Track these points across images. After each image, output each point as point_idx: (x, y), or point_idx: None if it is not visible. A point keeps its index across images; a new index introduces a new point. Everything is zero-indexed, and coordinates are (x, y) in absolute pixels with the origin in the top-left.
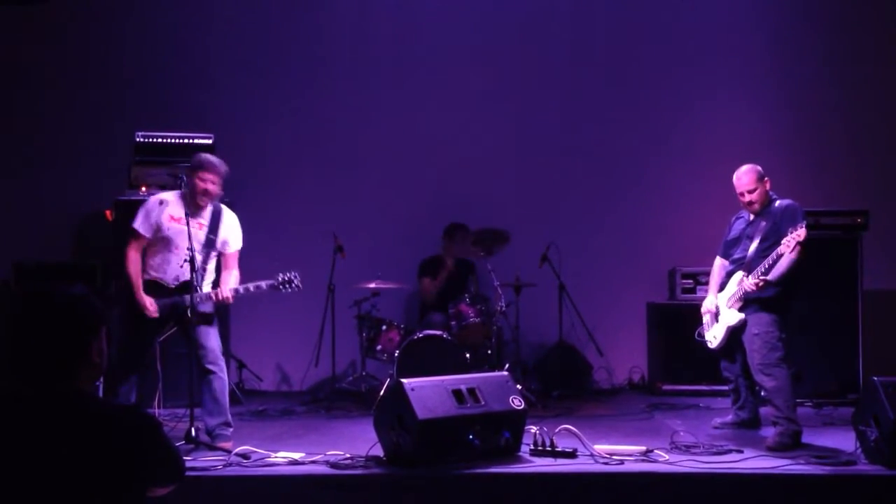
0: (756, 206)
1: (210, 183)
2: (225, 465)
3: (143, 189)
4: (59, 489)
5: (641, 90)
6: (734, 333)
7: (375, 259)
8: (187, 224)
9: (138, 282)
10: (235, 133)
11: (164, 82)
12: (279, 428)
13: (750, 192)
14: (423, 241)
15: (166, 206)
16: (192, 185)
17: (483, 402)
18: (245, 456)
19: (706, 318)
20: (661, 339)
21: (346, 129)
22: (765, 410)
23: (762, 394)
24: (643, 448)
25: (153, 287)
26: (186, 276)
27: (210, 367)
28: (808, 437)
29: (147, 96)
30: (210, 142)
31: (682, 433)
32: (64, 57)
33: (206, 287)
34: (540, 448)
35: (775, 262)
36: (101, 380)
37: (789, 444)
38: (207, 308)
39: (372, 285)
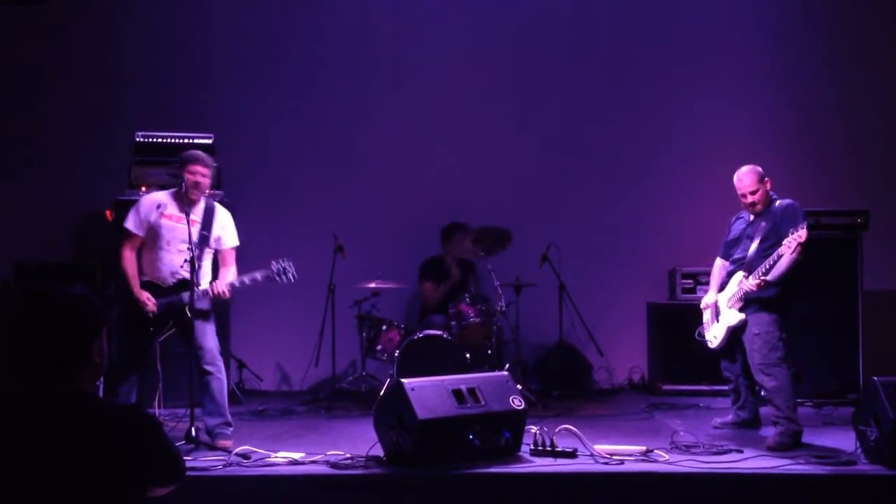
0: (759, 207)
1: (200, 175)
2: (225, 465)
3: (144, 189)
4: (60, 489)
5: (641, 90)
6: (734, 333)
7: (375, 259)
8: (187, 222)
9: (135, 279)
10: (235, 133)
11: (164, 82)
12: (279, 428)
13: (752, 193)
14: (423, 241)
15: (157, 204)
16: (184, 180)
17: (483, 402)
18: (245, 456)
19: (706, 315)
20: (662, 339)
21: (346, 129)
22: (765, 410)
23: (762, 394)
24: (643, 448)
25: (150, 288)
26: (182, 273)
27: (207, 367)
28: (808, 437)
29: (147, 96)
30: (210, 142)
31: (682, 433)
32: (64, 57)
33: (203, 284)
34: (540, 448)
35: (776, 262)
36: (102, 380)
37: (789, 444)
38: (204, 305)
39: (372, 285)
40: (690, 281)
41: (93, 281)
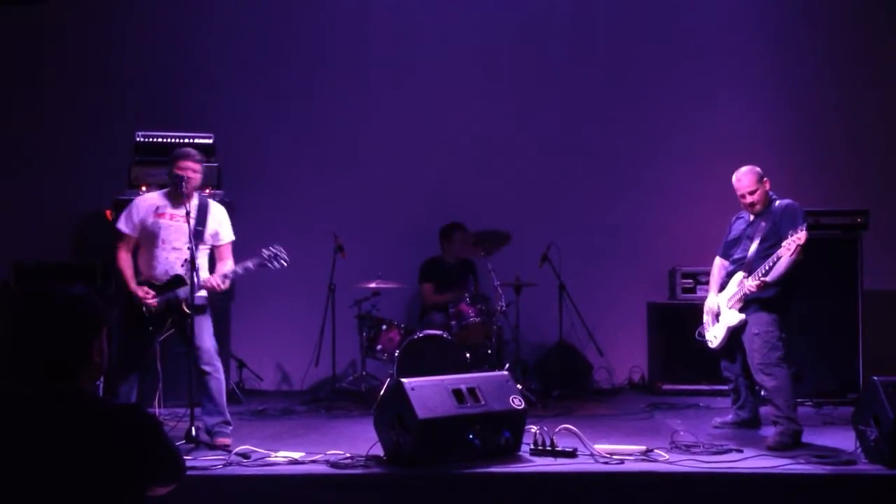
0: (758, 207)
1: (190, 171)
2: (225, 465)
3: (144, 189)
4: (60, 489)
5: (641, 90)
6: (734, 333)
7: (375, 259)
8: (182, 219)
9: (131, 276)
10: (235, 133)
11: (164, 82)
12: (279, 427)
13: (751, 193)
14: (423, 241)
15: (151, 205)
16: (174, 177)
17: (483, 402)
18: (245, 455)
19: (707, 317)
20: (661, 338)
21: (346, 129)
22: (765, 410)
23: (762, 393)
24: (643, 448)
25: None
26: (175, 269)
27: (205, 367)
28: (808, 437)
29: (147, 96)
30: (210, 142)
31: (682, 433)
32: (64, 57)
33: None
34: (540, 448)
35: (775, 263)
36: (101, 380)
37: (789, 444)
38: (200, 300)
39: (372, 285)
40: (690, 281)
41: (93, 281)
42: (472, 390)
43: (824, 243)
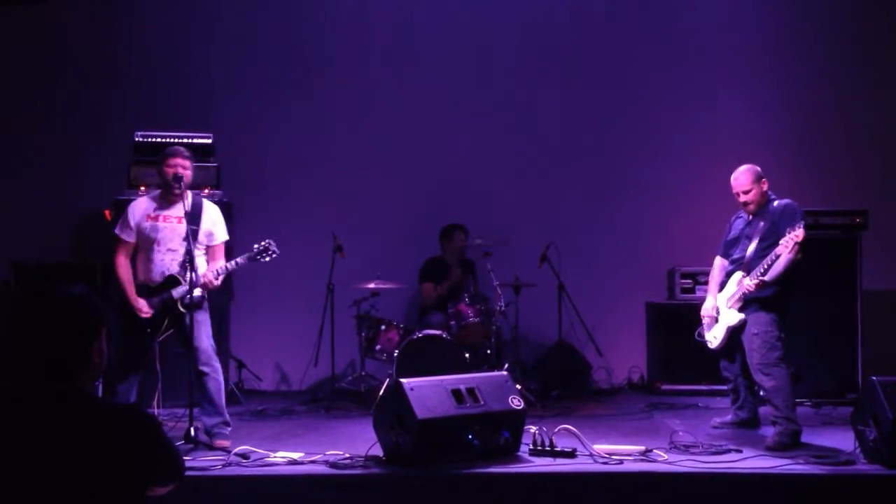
0: (752, 207)
1: (180, 167)
2: (224, 465)
3: (143, 189)
4: (60, 489)
5: (641, 90)
6: (734, 333)
7: (375, 259)
8: (181, 221)
9: (130, 285)
10: (235, 133)
11: (164, 82)
12: (278, 428)
13: (745, 192)
14: (423, 241)
15: (145, 207)
16: (164, 174)
17: (482, 402)
18: (244, 456)
19: (706, 321)
20: (661, 338)
21: (346, 130)
22: (764, 410)
23: (761, 393)
24: (642, 448)
25: (143, 290)
26: (170, 269)
27: (203, 368)
28: (807, 437)
29: (147, 96)
30: (210, 141)
31: (681, 433)
32: (64, 57)
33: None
34: (539, 448)
35: (773, 262)
36: (101, 380)
37: (788, 444)
38: (196, 297)
39: (371, 285)
40: (689, 281)
41: (93, 281)
42: (471, 390)
43: (823, 243)
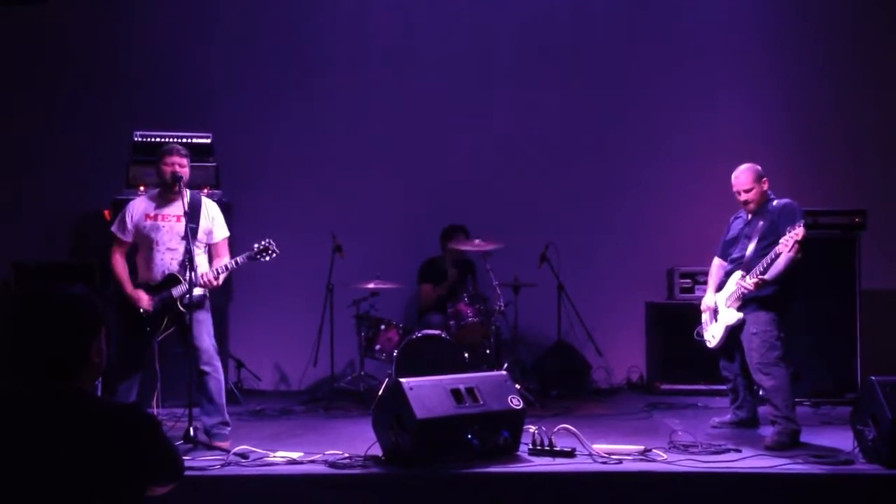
0: (752, 206)
1: (177, 165)
2: (223, 465)
3: (142, 188)
4: (59, 489)
5: (641, 90)
6: (733, 333)
7: (374, 259)
8: (179, 219)
9: (127, 280)
10: (235, 133)
11: (163, 82)
12: (278, 427)
13: (746, 191)
14: (423, 241)
15: (143, 207)
16: (161, 173)
17: (481, 402)
18: (243, 455)
19: (705, 316)
20: (660, 338)
21: (346, 130)
22: (763, 410)
23: (760, 393)
24: (641, 447)
25: (143, 290)
26: (170, 268)
27: (204, 367)
28: (806, 437)
29: (147, 96)
30: (209, 141)
31: (680, 432)
32: (64, 57)
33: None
34: (538, 447)
35: (773, 261)
36: (100, 380)
37: (787, 444)
38: (196, 297)
39: (370, 285)
40: (689, 280)
41: (92, 280)
42: (470, 390)
43: (823, 243)
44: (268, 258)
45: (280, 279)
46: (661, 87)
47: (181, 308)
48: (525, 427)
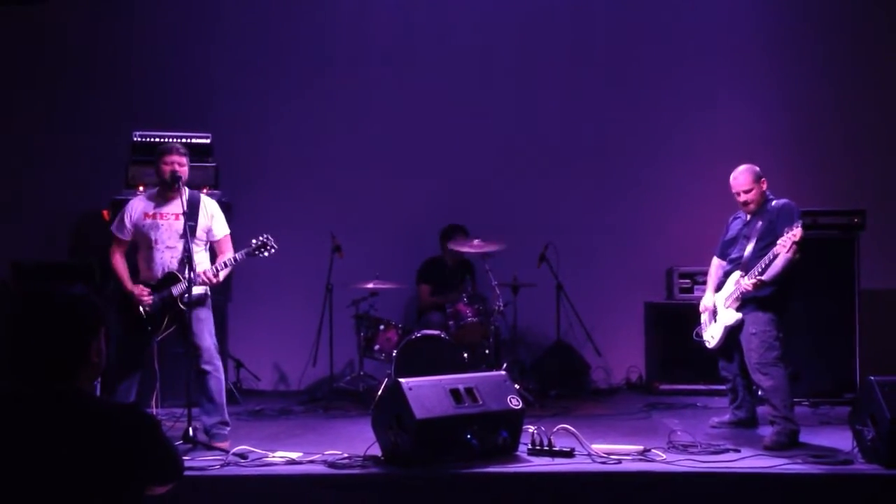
0: (752, 207)
1: (176, 164)
2: (222, 465)
3: (141, 188)
4: (59, 488)
5: (641, 90)
6: (732, 333)
7: (373, 259)
8: (178, 218)
9: (126, 277)
10: (235, 133)
11: (164, 82)
12: (277, 427)
13: (746, 192)
14: (422, 241)
15: (143, 206)
16: (160, 172)
17: (481, 402)
18: (243, 455)
19: (704, 317)
20: (659, 338)
21: (346, 129)
22: (762, 410)
23: (759, 393)
24: (641, 447)
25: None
26: (170, 266)
27: (205, 367)
28: (805, 437)
29: (147, 96)
30: (208, 141)
31: (679, 432)
32: (64, 57)
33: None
34: (538, 447)
35: (771, 261)
36: (99, 380)
37: (786, 444)
38: (196, 294)
39: (370, 285)
40: (688, 281)
41: (91, 280)
42: (469, 390)
43: (822, 243)
44: (266, 254)
45: (279, 279)
46: (661, 87)
47: (181, 306)
48: (524, 427)
